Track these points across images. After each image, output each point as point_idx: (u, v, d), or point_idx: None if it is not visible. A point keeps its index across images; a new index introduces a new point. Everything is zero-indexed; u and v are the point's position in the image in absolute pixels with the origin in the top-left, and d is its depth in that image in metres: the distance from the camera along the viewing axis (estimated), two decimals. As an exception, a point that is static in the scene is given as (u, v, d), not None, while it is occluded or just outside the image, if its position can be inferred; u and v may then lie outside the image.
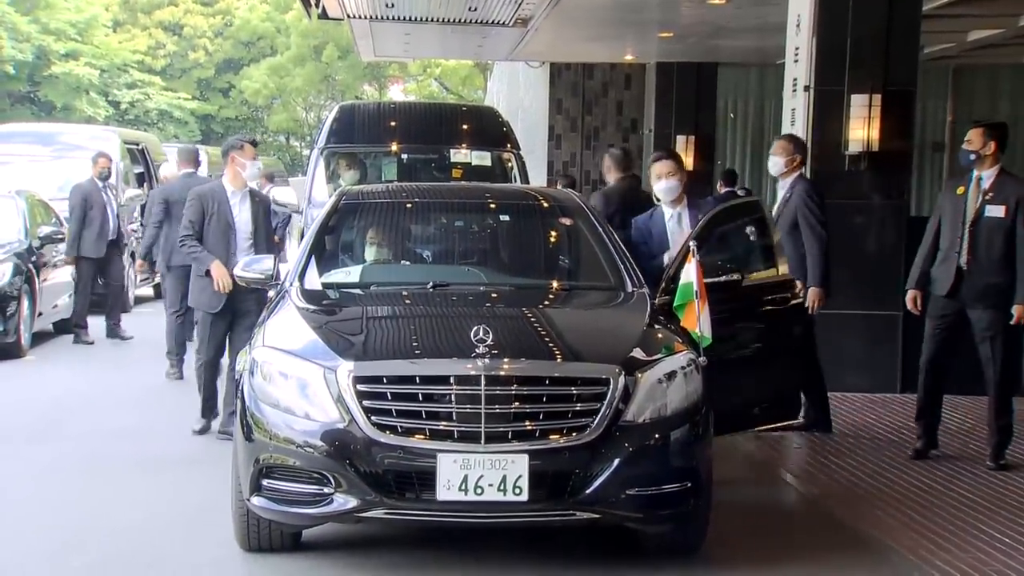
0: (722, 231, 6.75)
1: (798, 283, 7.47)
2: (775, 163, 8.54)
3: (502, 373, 5.16)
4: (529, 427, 5.10)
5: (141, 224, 13.19)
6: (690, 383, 5.44)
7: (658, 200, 7.61)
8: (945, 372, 7.67)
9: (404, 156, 11.37)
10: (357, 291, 6.48)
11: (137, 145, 18.11)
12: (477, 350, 5.24)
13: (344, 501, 5.14)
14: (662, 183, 7.47)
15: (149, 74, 42.78)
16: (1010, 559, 5.74)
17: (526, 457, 5.05)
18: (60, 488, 6.93)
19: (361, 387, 5.13)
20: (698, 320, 5.91)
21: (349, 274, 6.67)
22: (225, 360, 8.28)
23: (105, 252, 12.90)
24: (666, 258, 7.20)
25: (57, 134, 18.00)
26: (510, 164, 11.05)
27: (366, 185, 9.37)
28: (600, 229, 6.80)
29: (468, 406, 5.08)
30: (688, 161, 16.14)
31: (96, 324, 12.81)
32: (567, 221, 7.12)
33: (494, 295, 6.35)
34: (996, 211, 7.28)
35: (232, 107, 46.58)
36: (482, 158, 11.05)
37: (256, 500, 5.34)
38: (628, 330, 5.81)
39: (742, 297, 6.65)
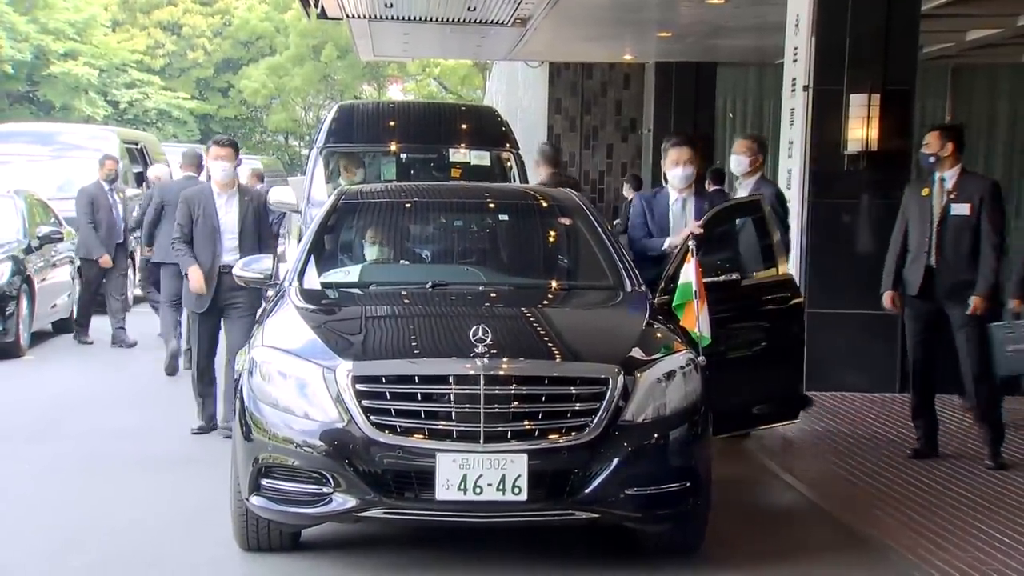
0: (722, 230, 6.75)
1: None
2: (739, 162, 8.50)
3: (501, 373, 5.16)
4: (528, 427, 5.10)
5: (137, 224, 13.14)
6: (689, 383, 5.44)
7: (666, 182, 7.56)
8: (933, 371, 7.74)
9: (403, 156, 11.37)
10: (356, 291, 6.47)
11: (136, 145, 18.11)
12: (476, 350, 5.24)
13: (343, 501, 5.14)
14: (678, 170, 7.39)
15: (148, 74, 42.71)
16: (1009, 558, 5.74)
17: (525, 457, 5.05)
18: (60, 488, 6.93)
19: (360, 387, 5.14)
20: (697, 320, 5.93)
21: (348, 274, 6.67)
22: (221, 358, 8.34)
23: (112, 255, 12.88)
24: (665, 244, 7.19)
25: (56, 134, 18.00)
26: (509, 164, 11.04)
27: (365, 185, 9.37)
28: (599, 229, 6.80)
29: (467, 406, 5.08)
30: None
31: (99, 328, 12.77)
32: (566, 221, 7.12)
33: (493, 295, 6.34)
34: (962, 209, 7.39)
35: (231, 107, 46.51)
36: (481, 158, 11.04)
37: (255, 500, 5.34)
38: (627, 330, 5.81)
39: (741, 297, 6.65)
